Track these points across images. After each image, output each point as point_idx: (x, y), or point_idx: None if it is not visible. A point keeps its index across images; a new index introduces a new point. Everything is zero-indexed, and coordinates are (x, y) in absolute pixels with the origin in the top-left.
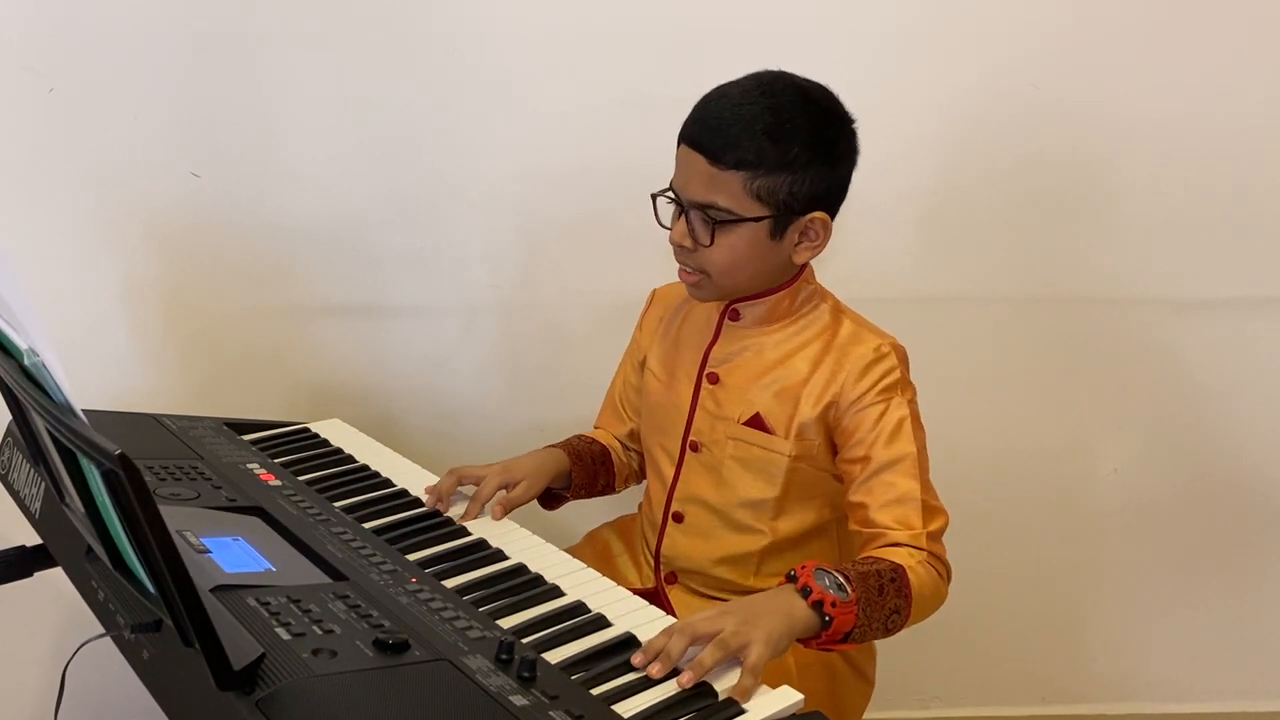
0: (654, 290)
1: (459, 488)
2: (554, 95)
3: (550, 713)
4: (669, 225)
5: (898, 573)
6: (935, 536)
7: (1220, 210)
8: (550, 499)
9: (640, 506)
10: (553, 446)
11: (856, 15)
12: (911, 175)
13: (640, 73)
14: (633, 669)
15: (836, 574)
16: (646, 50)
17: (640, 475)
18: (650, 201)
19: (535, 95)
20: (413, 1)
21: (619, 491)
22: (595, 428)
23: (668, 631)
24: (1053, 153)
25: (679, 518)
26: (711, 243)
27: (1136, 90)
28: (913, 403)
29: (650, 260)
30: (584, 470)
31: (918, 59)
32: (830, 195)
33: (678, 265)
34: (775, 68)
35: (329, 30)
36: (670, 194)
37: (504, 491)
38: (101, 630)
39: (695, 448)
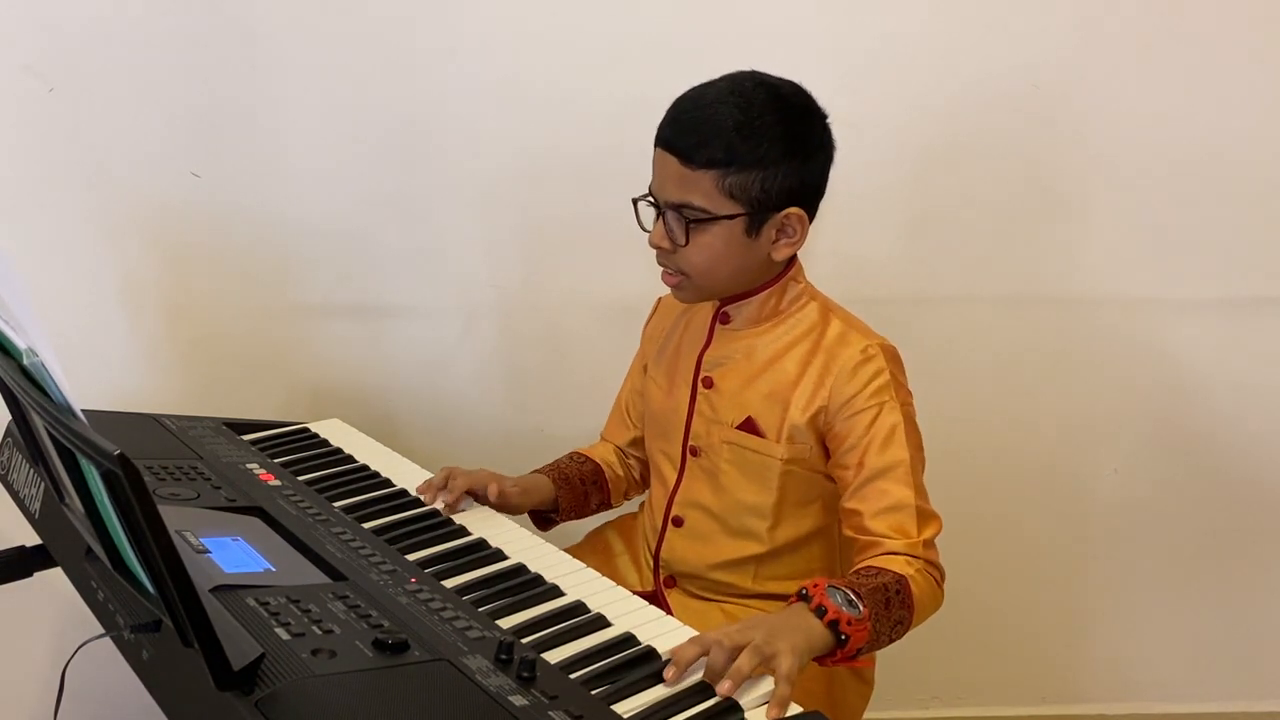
0: (659, 298)
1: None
2: (554, 96)
3: (550, 713)
4: (651, 229)
5: (901, 584)
6: (930, 544)
7: (1218, 210)
8: (542, 520)
9: (642, 507)
10: (540, 472)
11: (852, 17)
12: (909, 175)
13: (641, 73)
14: (632, 669)
15: (847, 590)
16: (647, 51)
17: (641, 485)
18: (632, 207)
19: (535, 95)
20: (413, 2)
21: (616, 505)
22: (601, 438)
23: (699, 644)
24: (1051, 153)
25: (679, 522)
26: (687, 242)
27: (1134, 90)
28: (907, 405)
29: (650, 261)
30: (571, 494)
31: (913, 60)
32: (805, 190)
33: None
34: (750, 69)
35: (329, 31)
36: (649, 198)
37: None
38: (101, 630)
39: (695, 452)
